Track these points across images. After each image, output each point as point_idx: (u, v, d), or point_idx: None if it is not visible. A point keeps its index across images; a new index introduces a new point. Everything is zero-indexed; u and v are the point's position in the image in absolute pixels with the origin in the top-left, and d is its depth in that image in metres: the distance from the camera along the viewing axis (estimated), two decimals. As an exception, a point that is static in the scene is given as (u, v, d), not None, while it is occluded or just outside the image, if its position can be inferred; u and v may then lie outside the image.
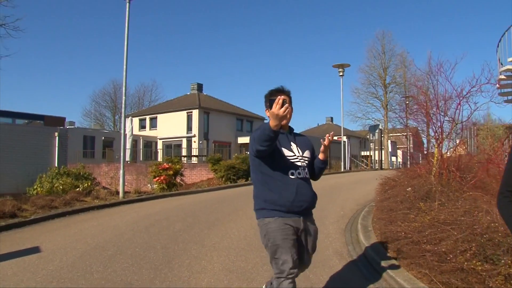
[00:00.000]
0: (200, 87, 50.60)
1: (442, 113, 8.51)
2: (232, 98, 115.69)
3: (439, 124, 8.42)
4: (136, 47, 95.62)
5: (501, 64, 15.92)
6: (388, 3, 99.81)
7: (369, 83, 42.22)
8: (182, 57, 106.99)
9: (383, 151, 41.81)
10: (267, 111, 3.39)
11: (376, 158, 43.01)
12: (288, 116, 3.44)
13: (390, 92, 41.91)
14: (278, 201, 3.41)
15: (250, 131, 49.52)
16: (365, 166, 44.49)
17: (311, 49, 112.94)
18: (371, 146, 42.70)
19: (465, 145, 20.54)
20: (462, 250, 5.00)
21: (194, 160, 36.30)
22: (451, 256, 4.96)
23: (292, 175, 3.47)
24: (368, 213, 9.06)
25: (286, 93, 3.58)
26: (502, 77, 15.86)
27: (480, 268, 4.54)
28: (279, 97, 2.99)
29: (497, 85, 16.27)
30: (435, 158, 8.40)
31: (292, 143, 3.61)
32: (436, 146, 8.50)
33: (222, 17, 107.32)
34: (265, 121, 3.47)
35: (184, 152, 40.60)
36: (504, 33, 15.49)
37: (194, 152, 39.64)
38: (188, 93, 50.45)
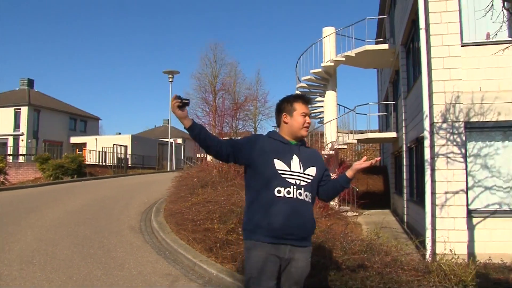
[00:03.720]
0: (30, 83, 48.14)
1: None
2: (67, 96, 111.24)
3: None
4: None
5: (299, 81, 18.98)
6: (223, 13, 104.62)
7: (200, 89, 44.78)
8: (11, 51, 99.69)
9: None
10: (285, 116, 3.10)
11: (209, 159, 45.80)
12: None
13: (219, 99, 45.07)
14: (260, 223, 2.88)
15: (84, 130, 48.90)
16: (193, 167, 47.03)
17: (147, 52, 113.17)
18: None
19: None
20: (211, 218, 7.24)
21: (22, 159, 35.17)
22: (202, 222, 7.18)
23: (279, 193, 2.88)
24: (165, 200, 11.11)
25: (305, 99, 3.16)
26: (298, 92, 18.95)
27: (216, 227, 6.78)
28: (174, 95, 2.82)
29: (294, 99, 19.49)
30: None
31: (294, 156, 3.01)
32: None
33: (58, 12, 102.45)
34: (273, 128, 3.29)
35: (10, 151, 38.85)
36: (300, 56, 18.59)
37: (22, 151, 38.27)
38: (17, 89, 47.86)
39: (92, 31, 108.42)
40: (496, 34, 6.48)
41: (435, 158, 8.50)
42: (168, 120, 68.90)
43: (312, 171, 3.04)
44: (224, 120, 11.77)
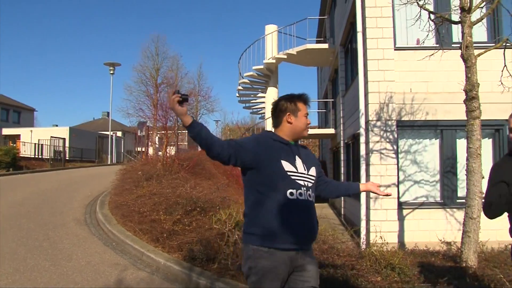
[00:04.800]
0: (-43, 71, 45.93)
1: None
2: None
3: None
4: None
5: (242, 77, 19.30)
6: (161, 11, 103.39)
7: (141, 82, 44.24)
8: None
9: (151, 147, 44.32)
10: (289, 115, 2.94)
11: (151, 152, 45.24)
12: (173, 109, 2.71)
13: (161, 92, 44.50)
14: (276, 228, 2.72)
15: (17, 122, 47.07)
16: (136, 160, 46.49)
17: (84, 46, 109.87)
18: (146, 142, 44.81)
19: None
20: (157, 209, 7.46)
21: None
22: (149, 213, 7.38)
23: (292, 195, 2.77)
24: (109, 192, 11.18)
25: (307, 100, 3.03)
26: (240, 88, 19.32)
27: (162, 218, 7.02)
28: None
29: (237, 94, 19.87)
30: (163, 151, 11.05)
31: (297, 157, 2.91)
32: (165, 142, 11.18)
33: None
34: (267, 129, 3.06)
35: None
36: (243, 52, 18.96)
37: None
38: None
39: (26, 19, 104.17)
40: (423, 42, 7.06)
41: (370, 154, 9.07)
42: (108, 112, 67.54)
43: (313, 171, 2.96)
44: (169, 115, 11.92)
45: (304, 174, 2.86)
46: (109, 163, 34.73)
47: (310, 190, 2.87)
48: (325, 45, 16.62)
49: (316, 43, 17.81)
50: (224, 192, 8.81)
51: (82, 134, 41.66)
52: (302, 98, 2.99)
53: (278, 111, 2.98)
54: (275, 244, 2.70)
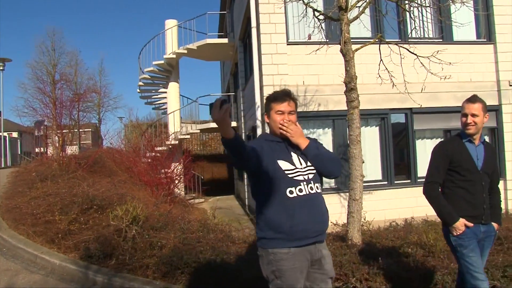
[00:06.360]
0: None
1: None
2: None
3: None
4: None
5: (142, 72, 19.01)
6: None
7: (37, 78, 41.93)
8: None
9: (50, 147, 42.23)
10: (266, 116, 3.04)
11: (50, 153, 43.13)
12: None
13: (59, 89, 42.30)
14: (282, 229, 2.77)
15: None
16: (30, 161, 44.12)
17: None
18: (44, 142, 42.54)
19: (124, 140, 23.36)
20: (52, 210, 7.26)
21: None
22: (43, 215, 7.18)
23: (291, 194, 2.81)
24: (0, 197, 10.61)
25: (292, 97, 3.05)
26: (141, 83, 19.04)
27: (57, 218, 6.86)
28: (216, 99, 2.44)
29: (138, 90, 19.57)
30: (59, 150, 10.72)
31: (292, 154, 2.94)
32: (60, 141, 10.85)
33: None
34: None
35: None
36: (143, 47, 18.67)
37: None
38: None
39: None
40: (308, 37, 7.43)
41: (266, 145, 9.37)
42: (0, 111, 63.14)
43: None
44: (63, 112, 11.59)
45: (302, 168, 2.90)
46: (3, 166, 32.67)
47: (312, 182, 2.89)
48: (225, 40, 16.78)
49: (218, 37, 17.96)
50: (123, 189, 8.75)
51: (-29, 136, 38.75)
52: (273, 96, 3.02)
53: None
54: (292, 243, 2.76)
